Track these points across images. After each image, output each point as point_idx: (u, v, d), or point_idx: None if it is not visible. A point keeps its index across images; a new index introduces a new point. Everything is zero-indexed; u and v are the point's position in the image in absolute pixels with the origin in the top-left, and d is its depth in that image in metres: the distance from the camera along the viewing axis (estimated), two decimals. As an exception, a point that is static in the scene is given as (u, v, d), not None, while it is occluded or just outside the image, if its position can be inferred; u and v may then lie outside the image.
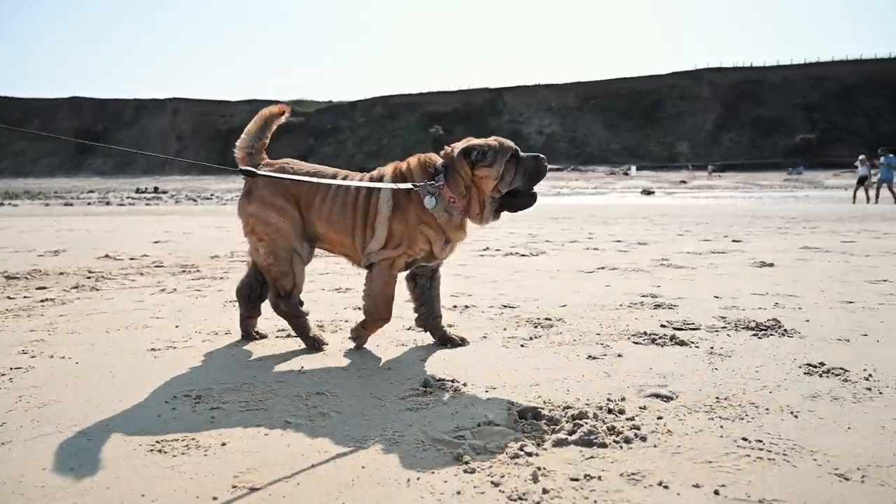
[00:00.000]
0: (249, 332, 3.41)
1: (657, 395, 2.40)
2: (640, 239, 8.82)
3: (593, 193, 29.54)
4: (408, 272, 3.23)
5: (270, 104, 3.37)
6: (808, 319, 3.66)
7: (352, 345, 3.22)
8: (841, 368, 2.68)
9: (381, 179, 3.13)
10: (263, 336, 3.44)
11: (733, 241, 8.42)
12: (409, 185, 2.97)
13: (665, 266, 6.03)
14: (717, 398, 2.35)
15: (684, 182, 36.57)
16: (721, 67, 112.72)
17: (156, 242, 8.98)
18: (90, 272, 5.93)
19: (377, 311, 3.09)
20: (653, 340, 3.23)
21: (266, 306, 3.28)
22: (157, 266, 6.42)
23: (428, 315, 3.25)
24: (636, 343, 3.20)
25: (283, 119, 3.33)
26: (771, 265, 5.94)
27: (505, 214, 3.06)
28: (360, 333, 3.19)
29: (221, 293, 4.77)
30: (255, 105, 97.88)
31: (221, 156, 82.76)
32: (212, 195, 33.63)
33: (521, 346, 3.20)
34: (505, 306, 4.17)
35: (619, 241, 8.65)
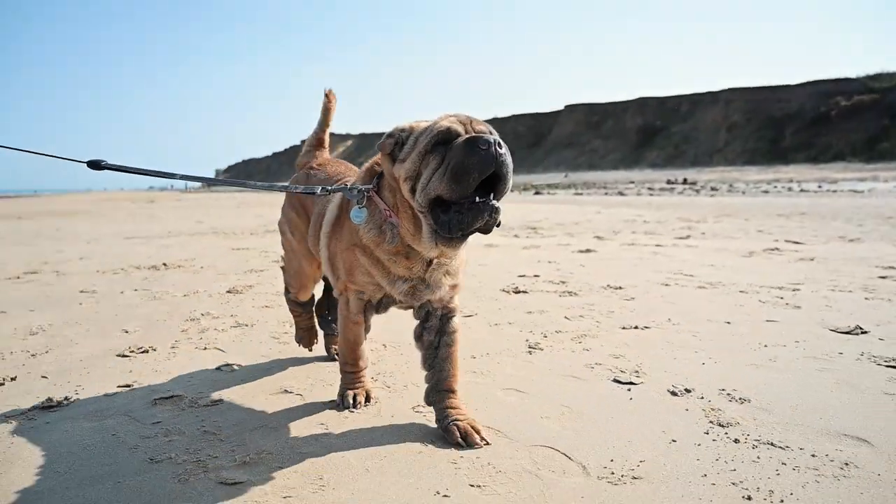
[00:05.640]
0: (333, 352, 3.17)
1: None
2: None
3: None
4: (417, 324, 2.35)
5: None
6: None
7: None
8: None
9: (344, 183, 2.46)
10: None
11: None
12: (306, 188, 2.30)
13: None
14: None
15: None
16: None
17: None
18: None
19: (342, 358, 2.50)
20: None
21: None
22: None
23: (431, 386, 2.31)
24: None
25: (333, 108, 3.02)
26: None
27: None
28: (341, 389, 2.53)
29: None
30: (816, 87, 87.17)
31: (772, 143, 77.90)
32: (736, 186, 30.64)
33: None
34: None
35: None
